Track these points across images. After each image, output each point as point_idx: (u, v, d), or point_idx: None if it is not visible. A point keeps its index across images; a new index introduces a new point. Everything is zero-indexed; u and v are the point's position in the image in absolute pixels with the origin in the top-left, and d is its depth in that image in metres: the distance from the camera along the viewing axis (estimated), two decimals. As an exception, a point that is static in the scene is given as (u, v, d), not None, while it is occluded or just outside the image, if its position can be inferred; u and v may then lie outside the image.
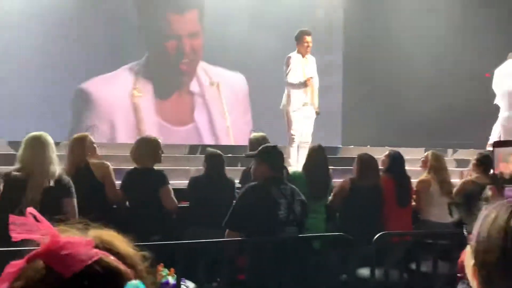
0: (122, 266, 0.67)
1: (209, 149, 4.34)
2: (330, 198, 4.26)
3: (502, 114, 6.10)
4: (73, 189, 3.21)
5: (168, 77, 8.25)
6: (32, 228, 0.66)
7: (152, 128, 7.89)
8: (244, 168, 4.38)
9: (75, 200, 3.21)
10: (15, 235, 0.66)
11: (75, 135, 3.77)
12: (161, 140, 3.95)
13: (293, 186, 3.40)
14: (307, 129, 5.65)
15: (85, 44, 7.67)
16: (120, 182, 3.86)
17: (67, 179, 3.25)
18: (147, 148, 3.76)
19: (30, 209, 0.68)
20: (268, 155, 3.37)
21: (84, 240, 0.67)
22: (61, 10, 7.47)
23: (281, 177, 3.39)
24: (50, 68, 7.43)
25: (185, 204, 4.16)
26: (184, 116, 8.28)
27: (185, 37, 8.26)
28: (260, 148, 3.46)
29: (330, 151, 6.14)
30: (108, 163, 3.83)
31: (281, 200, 3.24)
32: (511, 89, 6.00)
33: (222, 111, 8.38)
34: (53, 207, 3.05)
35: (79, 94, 7.86)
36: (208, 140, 8.24)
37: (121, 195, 3.78)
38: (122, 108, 7.97)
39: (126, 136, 7.71)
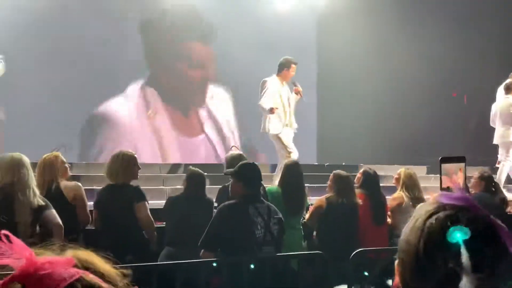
0: (103, 284, 0.66)
1: (191, 168, 4.25)
2: (306, 216, 4.27)
3: (498, 131, 6.36)
4: (49, 203, 3.23)
5: (177, 98, 8.54)
6: (5, 252, 0.65)
7: (172, 142, 8.20)
8: (219, 186, 4.36)
9: (54, 211, 3.20)
10: None
11: (46, 155, 3.67)
12: (136, 156, 3.87)
13: (270, 204, 3.37)
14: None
15: (87, 71, 7.68)
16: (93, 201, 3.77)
17: (41, 196, 3.26)
18: (121, 164, 3.64)
19: (4, 232, 0.67)
20: (244, 173, 3.33)
21: (63, 259, 0.66)
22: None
23: (257, 195, 3.35)
24: (56, 96, 7.35)
25: (160, 224, 4.10)
26: (195, 129, 8.63)
27: (196, 67, 8.62)
28: (237, 166, 3.42)
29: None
30: (80, 184, 3.75)
31: (257, 219, 3.20)
32: (503, 107, 6.26)
33: (227, 116, 8.77)
34: (42, 226, 3.14)
35: (93, 119, 7.90)
36: (219, 146, 8.53)
37: (95, 214, 3.66)
38: (141, 127, 8.15)
39: (149, 155, 7.90)
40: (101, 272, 0.69)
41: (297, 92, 5.82)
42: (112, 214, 3.59)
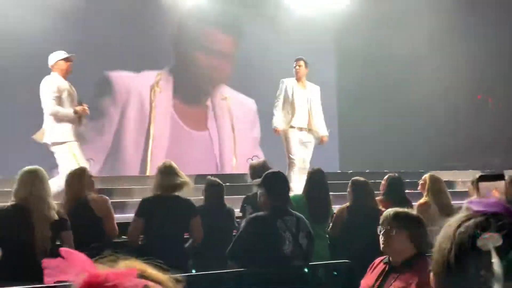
0: None
1: (209, 177, 4.27)
2: (330, 225, 4.22)
3: None
4: (69, 222, 3.23)
5: (191, 86, 8.72)
6: (66, 269, 0.65)
7: (166, 124, 8.33)
8: (244, 196, 4.37)
9: (71, 233, 3.22)
10: (49, 279, 0.65)
11: (73, 169, 3.75)
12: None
13: (300, 216, 3.23)
14: (305, 156, 5.68)
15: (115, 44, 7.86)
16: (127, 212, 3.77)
17: (61, 212, 3.27)
18: (170, 174, 3.62)
19: (64, 249, 0.68)
20: (270, 183, 3.19)
21: (126, 270, 0.66)
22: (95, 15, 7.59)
23: (285, 207, 3.19)
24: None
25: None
26: (199, 124, 8.73)
27: (217, 56, 8.79)
28: (263, 176, 3.30)
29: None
30: (107, 197, 3.80)
31: (285, 233, 3.06)
32: None
33: (231, 124, 8.83)
34: (59, 241, 3.14)
35: (102, 80, 8.12)
36: (216, 150, 8.68)
37: (139, 224, 3.55)
38: (140, 103, 8.31)
39: (135, 130, 8.05)
40: (158, 280, 0.69)
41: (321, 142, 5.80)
42: (164, 226, 3.49)
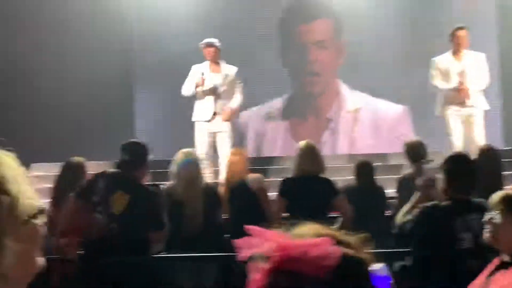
0: (361, 254, 0.67)
1: (360, 158, 4.31)
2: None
3: None
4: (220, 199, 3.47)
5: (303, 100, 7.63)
6: (256, 243, 0.66)
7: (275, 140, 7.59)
8: (400, 176, 4.21)
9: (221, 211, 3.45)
10: (243, 255, 0.67)
11: (233, 150, 4.02)
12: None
13: (486, 207, 2.70)
14: (470, 133, 5.22)
15: None
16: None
17: (214, 189, 3.50)
18: (312, 156, 3.63)
19: (250, 227, 0.68)
20: (453, 169, 2.68)
21: (320, 240, 0.66)
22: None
23: (468, 202, 2.67)
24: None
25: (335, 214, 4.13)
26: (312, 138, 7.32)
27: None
28: (445, 158, 2.84)
29: None
30: (262, 176, 3.96)
31: (464, 234, 2.64)
32: None
33: (351, 137, 7.37)
34: (210, 221, 3.37)
35: None
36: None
37: (283, 203, 3.59)
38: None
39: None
40: (351, 245, 0.68)
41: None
42: (305, 206, 3.44)
